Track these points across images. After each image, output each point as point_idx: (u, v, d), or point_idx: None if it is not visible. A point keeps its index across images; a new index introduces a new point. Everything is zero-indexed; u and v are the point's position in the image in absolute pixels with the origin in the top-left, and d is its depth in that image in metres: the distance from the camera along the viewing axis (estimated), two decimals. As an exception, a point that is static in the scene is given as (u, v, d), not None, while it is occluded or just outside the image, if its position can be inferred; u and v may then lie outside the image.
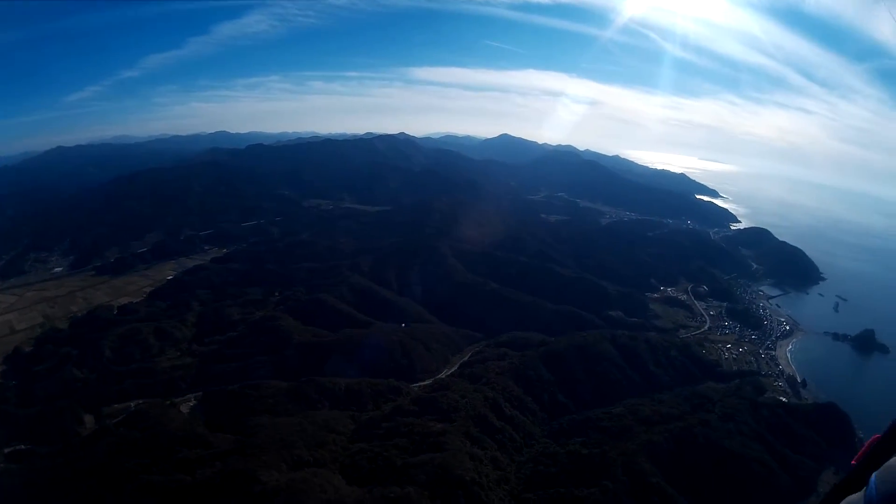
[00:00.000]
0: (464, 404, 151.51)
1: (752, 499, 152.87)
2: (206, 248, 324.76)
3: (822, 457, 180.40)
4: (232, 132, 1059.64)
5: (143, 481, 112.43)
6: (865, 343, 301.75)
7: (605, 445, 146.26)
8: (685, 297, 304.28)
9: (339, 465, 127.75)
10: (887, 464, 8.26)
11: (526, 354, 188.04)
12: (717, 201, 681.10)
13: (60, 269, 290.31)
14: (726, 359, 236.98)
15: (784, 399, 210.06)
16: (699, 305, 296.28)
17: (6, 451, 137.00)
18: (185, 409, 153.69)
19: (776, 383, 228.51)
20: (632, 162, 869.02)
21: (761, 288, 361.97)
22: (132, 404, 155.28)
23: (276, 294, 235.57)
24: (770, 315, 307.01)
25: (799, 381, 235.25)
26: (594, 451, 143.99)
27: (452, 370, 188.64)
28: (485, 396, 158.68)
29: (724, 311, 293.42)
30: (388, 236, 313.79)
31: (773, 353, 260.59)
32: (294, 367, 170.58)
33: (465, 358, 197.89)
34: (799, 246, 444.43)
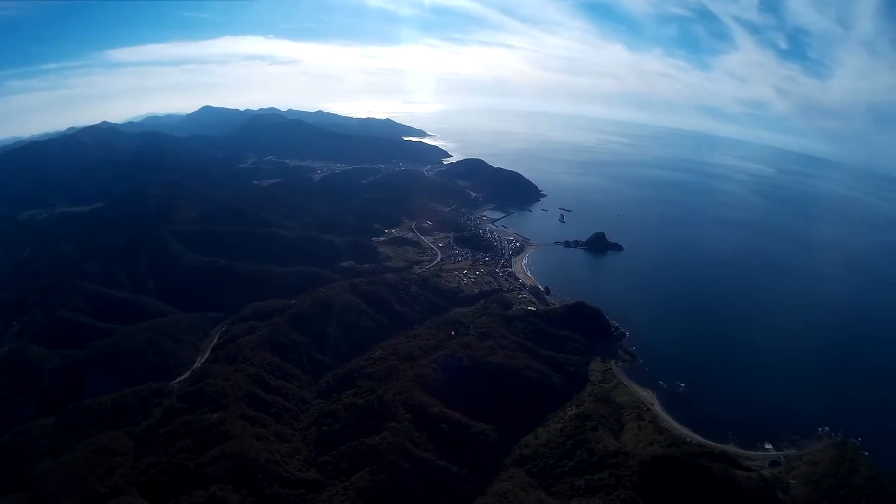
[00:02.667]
0: (230, 388, 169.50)
1: (535, 402, 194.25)
2: None
3: (586, 350, 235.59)
4: None
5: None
6: (598, 245, 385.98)
7: (377, 390, 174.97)
8: (411, 234, 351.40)
9: (136, 487, 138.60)
10: None
11: (273, 322, 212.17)
12: (427, 140, 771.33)
13: None
14: (466, 284, 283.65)
15: (532, 308, 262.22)
16: (427, 240, 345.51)
17: None
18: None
19: (520, 296, 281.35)
20: (336, 115, 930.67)
21: (484, 213, 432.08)
22: None
23: (14, 324, 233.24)
24: (499, 236, 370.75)
25: (542, 289, 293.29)
26: (370, 398, 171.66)
27: (206, 357, 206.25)
28: (247, 374, 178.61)
29: (452, 241, 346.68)
30: (108, 234, 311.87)
31: (510, 269, 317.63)
32: (55, 397, 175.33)
33: (215, 341, 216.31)
34: (515, 170, 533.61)
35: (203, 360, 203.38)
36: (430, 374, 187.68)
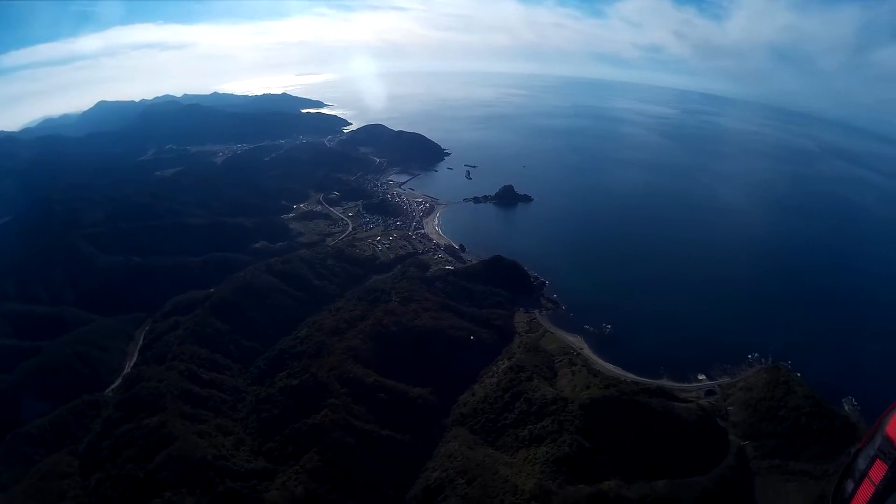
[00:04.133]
0: (164, 388, 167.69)
1: (466, 360, 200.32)
2: None
3: (509, 303, 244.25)
4: None
5: None
6: (507, 197, 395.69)
7: (310, 369, 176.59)
8: (320, 207, 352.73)
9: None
10: None
11: (196, 315, 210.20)
12: (325, 110, 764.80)
13: None
14: (381, 250, 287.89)
15: (450, 267, 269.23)
16: (336, 211, 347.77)
17: None
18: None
19: (436, 256, 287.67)
20: (231, 95, 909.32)
21: (390, 178, 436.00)
22: None
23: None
24: (407, 200, 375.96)
25: (457, 247, 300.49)
26: (304, 378, 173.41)
27: (135, 359, 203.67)
28: (179, 372, 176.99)
29: (361, 209, 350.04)
30: (20, 249, 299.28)
31: (423, 231, 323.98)
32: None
33: (141, 342, 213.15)
34: (417, 131, 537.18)
35: (132, 364, 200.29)
36: (360, 346, 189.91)
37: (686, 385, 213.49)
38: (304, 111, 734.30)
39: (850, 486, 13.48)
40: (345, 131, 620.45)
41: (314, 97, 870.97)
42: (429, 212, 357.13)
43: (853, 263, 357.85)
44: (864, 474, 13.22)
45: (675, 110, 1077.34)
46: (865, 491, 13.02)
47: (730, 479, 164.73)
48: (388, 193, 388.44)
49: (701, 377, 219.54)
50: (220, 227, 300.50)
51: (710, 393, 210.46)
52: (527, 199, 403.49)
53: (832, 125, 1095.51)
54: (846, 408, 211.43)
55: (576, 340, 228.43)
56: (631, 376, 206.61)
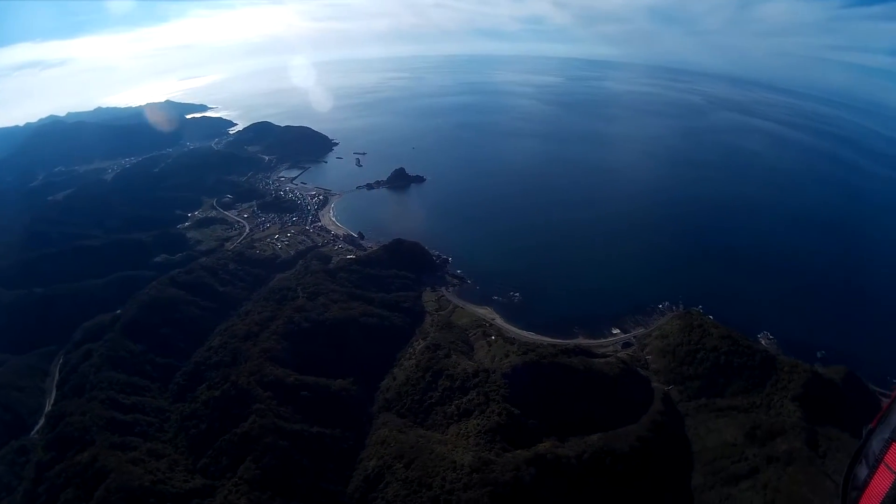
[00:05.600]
0: (89, 421, 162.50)
1: (381, 346, 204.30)
2: None
3: (415, 284, 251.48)
4: None
5: None
6: (400, 180, 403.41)
7: (229, 377, 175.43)
8: (215, 212, 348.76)
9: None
10: None
11: (107, 340, 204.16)
12: (209, 113, 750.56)
13: None
14: (281, 248, 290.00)
15: (352, 256, 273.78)
16: (231, 214, 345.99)
17: None
18: None
19: (336, 247, 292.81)
20: (115, 108, 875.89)
21: (281, 174, 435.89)
22: None
23: None
24: (301, 194, 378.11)
25: (356, 235, 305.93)
26: (225, 387, 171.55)
27: (54, 396, 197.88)
28: (100, 401, 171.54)
29: (256, 209, 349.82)
30: None
31: (320, 223, 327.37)
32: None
33: (57, 377, 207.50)
34: (303, 124, 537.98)
35: (52, 401, 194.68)
36: (275, 347, 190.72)
37: (602, 340, 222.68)
38: (189, 116, 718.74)
39: (863, 472, 11.90)
40: (231, 132, 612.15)
41: (198, 101, 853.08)
42: (323, 203, 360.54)
43: (751, 208, 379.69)
44: (880, 459, 11.67)
45: (560, 78, 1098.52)
46: (883, 479, 11.50)
47: (660, 423, 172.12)
48: (280, 190, 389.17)
49: (615, 331, 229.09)
50: (118, 245, 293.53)
51: (627, 345, 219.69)
52: (419, 179, 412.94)
53: (719, 79, 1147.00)
54: (763, 342, 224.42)
55: (486, 312, 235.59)
56: (547, 340, 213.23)
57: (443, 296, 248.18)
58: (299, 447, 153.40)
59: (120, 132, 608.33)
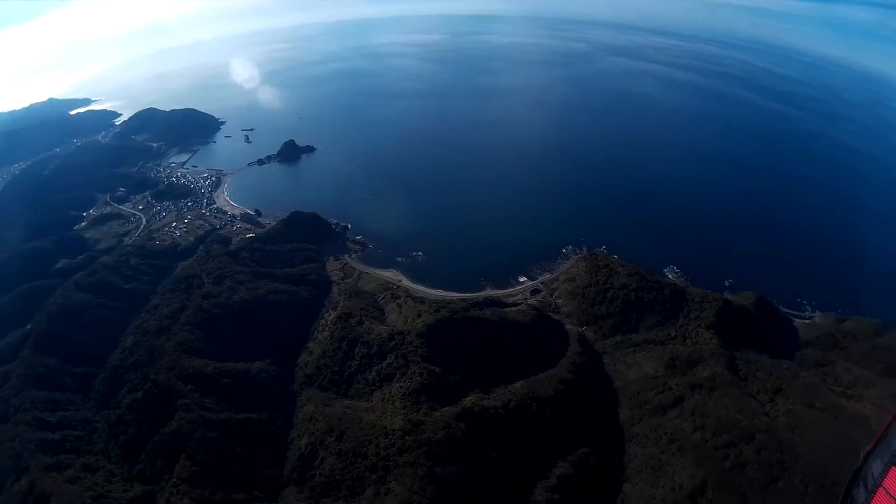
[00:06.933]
0: (20, 446, 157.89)
1: (293, 321, 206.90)
2: None
3: (317, 255, 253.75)
4: None
5: None
6: (290, 152, 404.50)
7: (149, 376, 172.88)
8: (110, 208, 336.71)
9: None
10: None
11: (23, 358, 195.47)
12: (94, 107, 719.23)
13: None
14: (180, 236, 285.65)
15: (252, 235, 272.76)
16: (126, 208, 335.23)
17: None
18: None
19: (235, 227, 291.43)
20: None
21: (171, 160, 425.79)
22: None
23: None
24: (193, 178, 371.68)
25: (253, 213, 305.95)
26: (146, 387, 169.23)
27: None
28: (26, 423, 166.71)
29: (150, 199, 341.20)
30: None
31: (216, 206, 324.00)
32: None
33: None
34: (189, 106, 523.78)
35: None
36: (189, 338, 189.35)
37: (511, 290, 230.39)
38: (74, 112, 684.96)
39: (861, 496, 12.14)
40: (117, 123, 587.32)
41: (82, 95, 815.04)
42: (217, 185, 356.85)
43: (646, 149, 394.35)
44: (879, 484, 11.90)
45: (443, 35, 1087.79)
46: (881, 503, 11.73)
47: (580, 364, 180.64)
48: (172, 176, 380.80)
49: (522, 279, 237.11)
50: (18, 256, 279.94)
51: (536, 292, 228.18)
52: (310, 149, 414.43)
53: (605, 26, 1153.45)
54: (670, 276, 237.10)
55: (392, 275, 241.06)
56: (456, 295, 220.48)
57: (347, 263, 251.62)
58: (230, 436, 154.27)
59: (4, 139, 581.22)
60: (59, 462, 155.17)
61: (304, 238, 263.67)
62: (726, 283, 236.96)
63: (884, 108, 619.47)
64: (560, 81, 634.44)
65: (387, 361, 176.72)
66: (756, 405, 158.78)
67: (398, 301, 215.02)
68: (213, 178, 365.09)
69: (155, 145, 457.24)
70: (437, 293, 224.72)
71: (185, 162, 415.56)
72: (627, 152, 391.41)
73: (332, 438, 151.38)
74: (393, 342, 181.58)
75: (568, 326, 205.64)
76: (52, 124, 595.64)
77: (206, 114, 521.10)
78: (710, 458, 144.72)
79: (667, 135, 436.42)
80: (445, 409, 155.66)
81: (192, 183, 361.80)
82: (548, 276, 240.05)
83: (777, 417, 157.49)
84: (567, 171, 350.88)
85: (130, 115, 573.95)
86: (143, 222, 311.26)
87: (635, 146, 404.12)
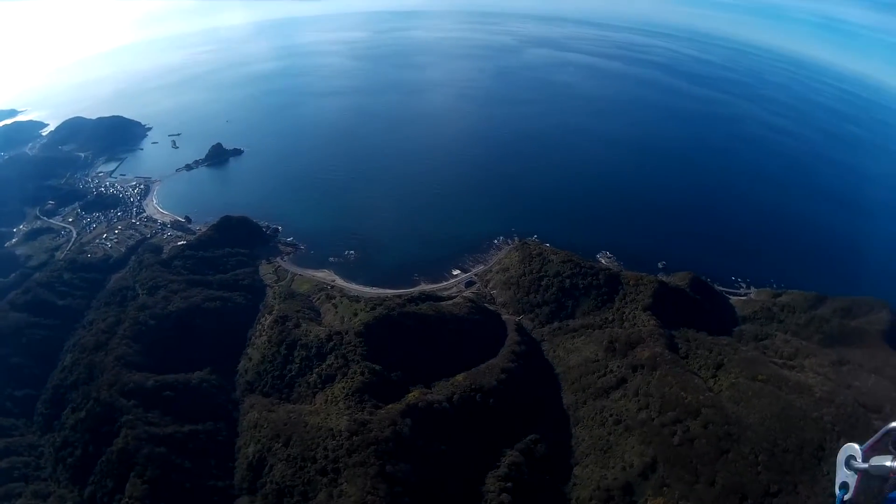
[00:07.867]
0: None
1: (230, 328, 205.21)
2: None
3: (250, 259, 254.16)
4: None
5: None
6: (218, 156, 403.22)
7: (91, 394, 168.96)
8: (39, 222, 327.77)
9: None
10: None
11: None
12: (20, 118, 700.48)
13: None
14: (111, 247, 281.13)
15: (183, 242, 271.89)
16: (56, 221, 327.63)
17: None
18: None
19: (166, 235, 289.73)
20: None
21: (100, 170, 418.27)
22: None
23: None
24: (121, 187, 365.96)
25: (183, 220, 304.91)
26: (89, 406, 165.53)
27: None
28: None
29: (80, 211, 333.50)
30: None
31: (146, 214, 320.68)
32: None
33: None
34: (115, 114, 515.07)
35: None
36: (127, 352, 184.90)
37: (445, 283, 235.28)
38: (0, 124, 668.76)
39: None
40: (44, 134, 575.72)
41: (6, 107, 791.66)
42: (146, 193, 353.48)
43: (572, 136, 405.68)
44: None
45: (367, 32, 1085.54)
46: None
47: (519, 352, 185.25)
48: (101, 186, 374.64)
49: (456, 272, 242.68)
50: None
51: (470, 283, 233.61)
52: (237, 152, 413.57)
53: (529, 18, 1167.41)
54: (603, 261, 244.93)
55: (325, 275, 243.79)
56: (390, 292, 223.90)
57: (279, 266, 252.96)
58: (177, 450, 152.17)
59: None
60: (9, 491, 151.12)
61: (236, 242, 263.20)
62: (660, 265, 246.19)
63: (802, 85, 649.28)
64: (485, 74, 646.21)
65: (327, 362, 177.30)
66: (699, 381, 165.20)
67: (333, 301, 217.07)
68: (142, 186, 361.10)
69: (83, 155, 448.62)
70: (372, 291, 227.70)
71: (114, 171, 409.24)
72: (554, 140, 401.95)
73: (279, 444, 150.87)
74: (332, 343, 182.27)
75: (505, 316, 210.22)
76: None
77: (132, 120, 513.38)
78: (658, 436, 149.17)
79: (592, 121, 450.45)
80: (390, 406, 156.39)
81: (120, 192, 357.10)
82: (481, 267, 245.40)
83: (721, 392, 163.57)
84: (495, 162, 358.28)
85: (57, 124, 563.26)
86: (74, 235, 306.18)
87: (561, 133, 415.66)
